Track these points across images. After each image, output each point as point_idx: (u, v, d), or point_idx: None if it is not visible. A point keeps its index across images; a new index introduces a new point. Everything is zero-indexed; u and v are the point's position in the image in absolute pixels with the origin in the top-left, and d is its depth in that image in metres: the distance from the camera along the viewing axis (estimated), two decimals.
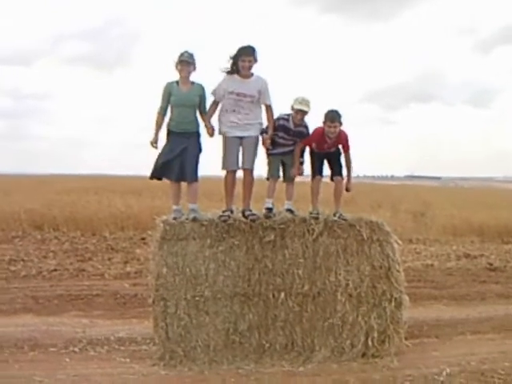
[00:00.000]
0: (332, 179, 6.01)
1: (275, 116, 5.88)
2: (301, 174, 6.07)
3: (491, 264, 11.79)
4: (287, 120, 5.86)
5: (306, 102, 5.82)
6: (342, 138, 5.91)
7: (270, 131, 5.81)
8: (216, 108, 5.85)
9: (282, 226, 5.77)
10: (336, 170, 6.00)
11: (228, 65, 5.66)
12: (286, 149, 5.93)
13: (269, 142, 5.80)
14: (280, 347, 5.74)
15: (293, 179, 6.06)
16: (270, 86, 5.73)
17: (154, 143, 5.73)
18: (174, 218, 5.74)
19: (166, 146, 5.77)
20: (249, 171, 5.78)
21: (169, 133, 5.77)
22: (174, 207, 5.86)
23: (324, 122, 5.82)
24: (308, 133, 5.95)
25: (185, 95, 5.70)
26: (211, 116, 5.86)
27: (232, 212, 5.77)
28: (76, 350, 5.88)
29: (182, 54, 5.70)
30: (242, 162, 5.76)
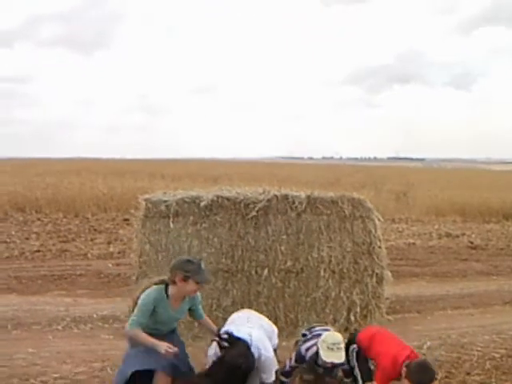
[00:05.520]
0: None
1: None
2: None
3: (472, 242, 11.99)
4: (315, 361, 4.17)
5: (338, 347, 3.98)
6: None
7: None
8: None
9: (265, 203, 5.78)
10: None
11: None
12: None
13: None
14: None
15: None
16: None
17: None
18: None
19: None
20: None
21: None
22: None
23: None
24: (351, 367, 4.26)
25: (173, 315, 4.09)
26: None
27: None
28: (59, 327, 5.87)
29: (201, 271, 3.88)
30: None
